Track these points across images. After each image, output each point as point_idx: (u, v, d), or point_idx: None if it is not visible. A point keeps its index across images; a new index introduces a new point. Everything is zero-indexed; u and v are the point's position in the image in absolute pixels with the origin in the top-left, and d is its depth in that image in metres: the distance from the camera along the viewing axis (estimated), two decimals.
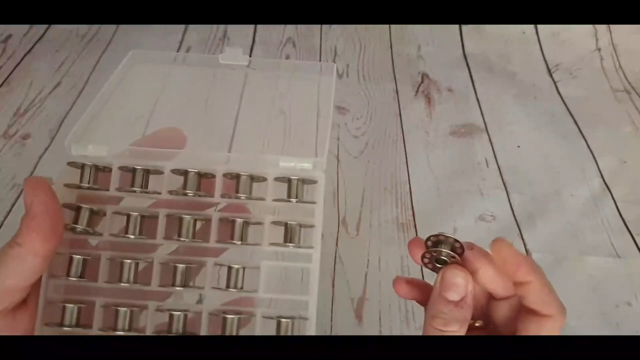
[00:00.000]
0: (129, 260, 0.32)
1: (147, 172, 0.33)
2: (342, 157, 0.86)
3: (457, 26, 1.14)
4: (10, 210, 0.76)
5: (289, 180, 0.33)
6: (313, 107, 0.38)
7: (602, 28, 1.13)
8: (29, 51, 1.05)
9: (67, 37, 1.09)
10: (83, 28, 1.11)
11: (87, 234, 0.33)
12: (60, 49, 1.06)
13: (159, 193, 0.33)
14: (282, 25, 1.14)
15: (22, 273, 0.30)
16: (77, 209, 0.32)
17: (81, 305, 0.32)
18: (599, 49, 1.11)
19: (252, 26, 1.14)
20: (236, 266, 0.32)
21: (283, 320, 0.32)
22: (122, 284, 0.32)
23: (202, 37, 1.11)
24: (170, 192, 0.33)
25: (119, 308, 0.32)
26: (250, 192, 0.33)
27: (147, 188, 0.33)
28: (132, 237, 0.33)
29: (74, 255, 0.32)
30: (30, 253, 0.30)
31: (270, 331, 0.32)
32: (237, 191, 0.33)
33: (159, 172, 0.33)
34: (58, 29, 1.10)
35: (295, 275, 0.31)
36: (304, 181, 0.33)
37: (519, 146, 0.89)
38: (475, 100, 0.98)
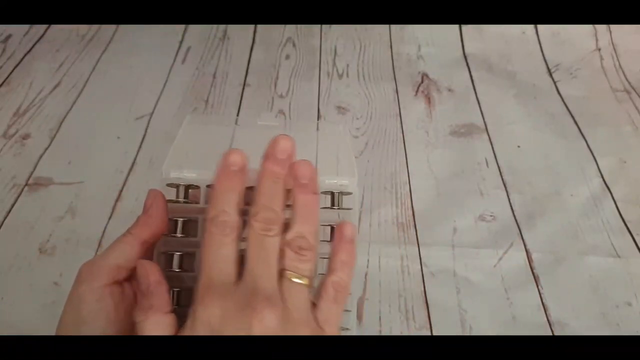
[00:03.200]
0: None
1: None
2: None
3: (457, 26, 1.14)
4: (10, 210, 0.76)
5: (332, 193, 0.44)
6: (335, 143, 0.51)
7: (602, 28, 1.13)
8: (29, 51, 1.05)
9: (67, 37, 1.09)
10: (83, 28, 1.11)
11: (183, 237, 0.42)
12: (60, 49, 1.06)
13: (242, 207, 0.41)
14: (282, 25, 1.14)
15: (128, 255, 0.39)
16: (175, 221, 0.42)
17: (179, 290, 0.41)
18: (599, 49, 1.11)
19: (252, 26, 1.14)
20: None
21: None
22: None
23: (202, 37, 1.11)
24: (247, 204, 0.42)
25: None
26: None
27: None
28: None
29: (175, 253, 0.41)
30: (137, 241, 0.39)
31: None
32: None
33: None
34: (58, 29, 1.10)
35: None
36: (342, 193, 0.44)
37: (519, 146, 0.89)
38: (475, 100, 0.98)
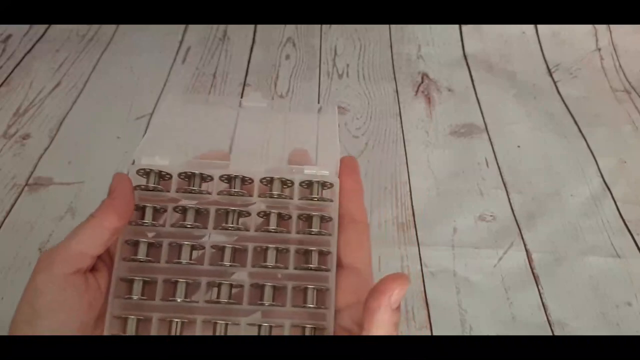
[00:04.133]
0: (187, 242, 0.40)
1: (200, 177, 0.42)
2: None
3: (457, 26, 1.14)
4: (10, 210, 0.76)
5: (311, 183, 0.42)
6: (324, 132, 0.48)
7: (602, 28, 1.13)
8: (29, 51, 1.05)
9: (67, 37, 1.09)
10: (83, 28, 1.11)
11: (152, 226, 0.41)
12: (60, 49, 1.06)
13: (210, 194, 0.41)
14: (282, 25, 1.14)
15: (92, 241, 0.36)
16: (143, 208, 0.41)
17: (146, 280, 0.39)
18: (599, 49, 1.11)
19: (252, 26, 1.14)
20: (271, 246, 0.40)
21: (309, 287, 0.39)
22: (181, 263, 0.40)
23: (202, 37, 1.11)
24: (219, 193, 0.41)
25: (178, 280, 0.39)
26: (281, 192, 0.42)
27: (200, 189, 0.41)
28: (189, 225, 0.40)
29: (141, 240, 0.40)
30: (102, 226, 0.37)
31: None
32: (270, 191, 0.42)
33: (209, 179, 0.42)
34: (58, 29, 1.10)
35: (314, 258, 0.40)
36: (323, 184, 0.42)
37: (519, 146, 0.89)
38: (475, 100, 0.98)
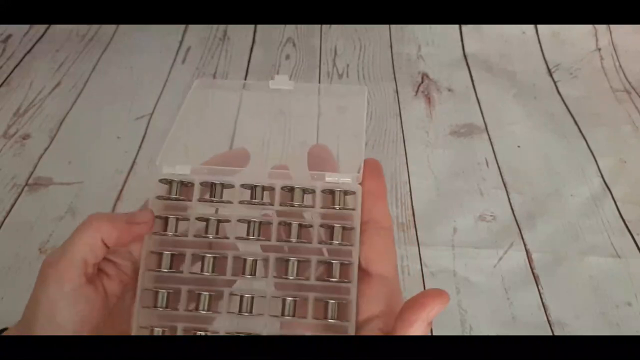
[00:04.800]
0: (208, 255, 0.40)
1: (221, 186, 0.42)
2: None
3: (457, 26, 1.14)
4: (10, 210, 0.76)
5: (332, 192, 0.41)
6: (348, 128, 0.48)
7: (602, 28, 1.13)
8: (29, 51, 1.05)
9: (67, 37, 1.09)
10: (83, 28, 1.11)
11: (175, 237, 0.41)
12: (60, 49, 1.06)
13: (231, 202, 0.41)
14: (282, 25, 1.14)
15: (93, 248, 0.37)
16: (166, 218, 0.41)
17: (170, 291, 0.39)
18: (599, 49, 1.11)
19: (252, 26, 1.14)
20: (292, 258, 0.40)
21: (330, 301, 0.39)
22: (203, 274, 0.40)
23: (202, 37, 1.11)
24: (241, 202, 0.41)
25: (202, 292, 0.39)
26: (302, 201, 0.41)
27: (221, 198, 0.42)
28: (210, 237, 0.41)
29: (164, 252, 0.40)
30: (101, 236, 0.37)
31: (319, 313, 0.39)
32: (292, 200, 0.41)
33: (230, 186, 0.42)
34: (58, 29, 1.10)
35: (336, 269, 0.40)
36: (345, 192, 0.41)
37: (519, 146, 0.89)
38: (475, 100, 0.98)
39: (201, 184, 0.42)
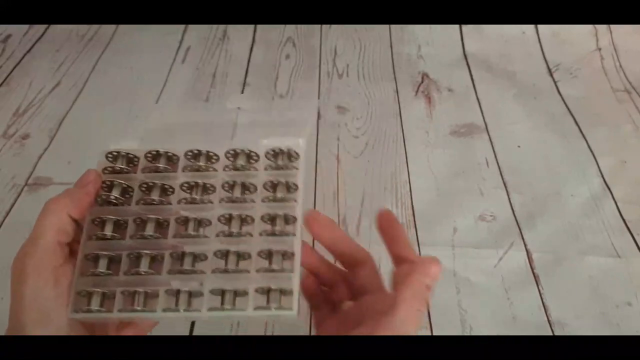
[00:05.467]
0: (151, 216, 0.41)
1: (166, 157, 0.43)
2: (342, 157, 0.86)
3: (457, 26, 1.14)
4: (10, 210, 0.76)
5: (276, 154, 0.43)
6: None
7: (602, 28, 1.13)
8: (28, 51, 1.05)
9: (66, 37, 1.09)
10: (83, 28, 1.11)
11: (118, 205, 0.42)
12: (59, 49, 1.06)
13: (175, 172, 0.43)
14: (282, 25, 1.14)
15: (65, 229, 0.38)
16: (111, 185, 0.42)
17: (111, 256, 0.40)
18: (600, 49, 1.11)
19: (252, 26, 1.14)
20: (236, 213, 0.41)
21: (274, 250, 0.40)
22: (146, 236, 0.41)
23: (202, 37, 1.11)
24: (184, 170, 0.43)
25: (142, 252, 0.40)
26: (247, 163, 0.43)
27: (167, 166, 0.43)
28: (155, 202, 0.42)
29: (107, 218, 0.41)
30: (69, 214, 0.39)
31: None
32: (235, 164, 0.43)
33: (176, 157, 0.43)
34: (58, 29, 1.10)
35: (280, 222, 0.42)
36: (289, 154, 0.43)
37: (519, 146, 0.89)
38: (476, 100, 0.98)
39: (146, 156, 0.43)
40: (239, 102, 0.50)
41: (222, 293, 0.39)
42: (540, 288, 0.70)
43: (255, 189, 0.42)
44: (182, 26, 1.13)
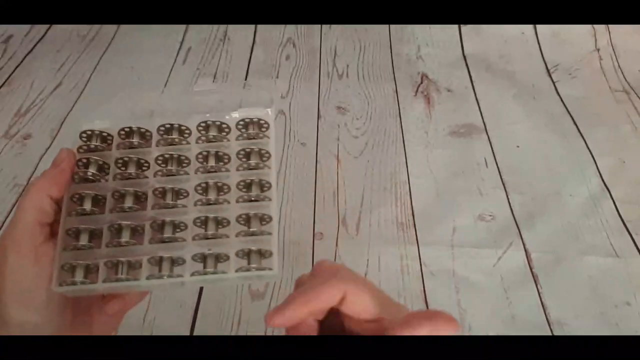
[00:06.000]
0: (130, 189, 0.42)
1: (139, 133, 0.44)
2: (342, 157, 0.86)
3: (456, 26, 1.14)
4: (11, 210, 0.76)
5: (247, 124, 0.44)
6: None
7: (601, 28, 1.14)
8: (30, 51, 1.05)
9: (68, 37, 1.09)
10: (84, 28, 1.11)
11: (96, 181, 0.42)
12: (61, 49, 1.06)
13: (149, 147, 0.43)
14: (282, 26, 1.15)
15: (45, 209, 0.39)
16: (87, 163, 0.43)
17: (93, 229, 0.40)
18: (598, 49, 1.11)
19: (252, 26, 1.14)
20: (212, 182, 0.42)
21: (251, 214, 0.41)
22: (125, 209, 0.41)
23: (203, 37, 1.11)
24: (157, 144, 0.44)
25: (122, 223, 0.40)
26: (220, 134, 0.44)
27: (141, 142, 0.44)
28: (132, 175, 0.42)
29: (85, 193, 0.41)
30: (50, 195, 0.39)
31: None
32: (207, 136, 0.44)
33: (148, 133, 0.44)
34: (59, 29, 1.11)
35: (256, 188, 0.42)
36: (259, 124, 0.44)
37: (518, 146, 0.90)
38: (475, 101, 0.98)
39: (119, 134, 0.44)
40: (207, 86, 0.52)
41: (204, 258, 0.40)
42: (539, 288, 0.70)
43: (229, 159, 0.43)
44: (182, 26, 1.13)
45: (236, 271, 0.39)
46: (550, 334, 0.65)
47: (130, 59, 1.04)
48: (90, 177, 0.42)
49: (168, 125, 0.44)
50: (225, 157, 0.43)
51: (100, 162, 0.43)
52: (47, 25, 1.11)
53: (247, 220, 0.41)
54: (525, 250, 0.74)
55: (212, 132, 0.44)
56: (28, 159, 0.83)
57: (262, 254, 0.40)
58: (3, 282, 0.37)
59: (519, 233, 0.76)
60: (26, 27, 1.10)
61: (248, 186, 0.42)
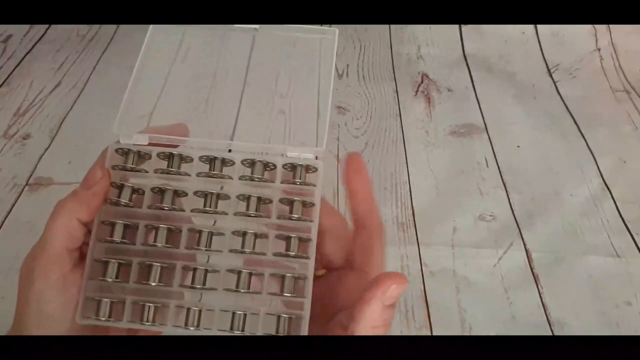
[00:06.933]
0: (163, 226, 0.39)
1: (180, 158, 0.41)
2: (342, 157, 0.86)
3: (457, 26, 1.14)
4: (11, 210, 0.76)
5: (294, 167, 0.40)
6: (313, 99, 0.46)
7: (601, 28, 1.13)
8: (29, 51, 1.05)
9: (67, 37, 1.09)
10: (83, 28, 1.11)
11: (128, 207, 0.40)
12: (60, 49, 1.06)
13: (189, 175, 0.40)
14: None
15: (74, 235, 0.37)
16: (121, 187, 0.40)
17: (120, 262, 0.38)
18: (599, 49, 1.11)
19: (252, 26, 1.14)
20: (251, 231, 0.39)
21: (287, 275, 0.38)
22: (157, 245, 0.39)
23: (203, 37, 1.10)
24: (198, 175, 0.41)
25: (153, 264, 0.38)
26: (263, 175, 0.41)
27: (179, 169, 0.41)
28: (166, 208, 0.40)
29: (117, 222, 0.39)
30: (79, 218, 0.37)
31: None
32: (252, 174, 0.40)
33: (189, 159, 0.41)
34: (58, 29, 1.10)
35: (294, 244, 0.39)
36: (307, 168, 0.40)
37: (518, 146, 0.90)
38: (475, 100, 0.98)
39: (158, 155, 0.41)
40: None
41: (232, 315, 0.38)
42: (539, 288, 0.70)
43: (270, 201, 0.40)
44: (182, 26, 1.13)
45: (264, 334, 0.37)
46: (550, 334, 0.65)
47: (130, 58, 1.03)
48: (123, 203, 0.40)
49: (212, 156, 0.41)
50: (267, 200, 0.41)
51: (135, 187, 0.40)
52: (47, 25, 1.11)
53: (281, 277, 0.39)
54: (526, 250, 0.74)
55: (257, 173, 0.41)
56: (27, 159, 0.83)
57: (292, 318, 0.38)
58: (27, 306, 0.36)
59: (520, 233, 0.76)
60: (25, 26, 1.10)
61: (287, 240, 0.39)
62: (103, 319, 0.37)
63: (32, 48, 1.06)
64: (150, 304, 0.38)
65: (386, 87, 1.01)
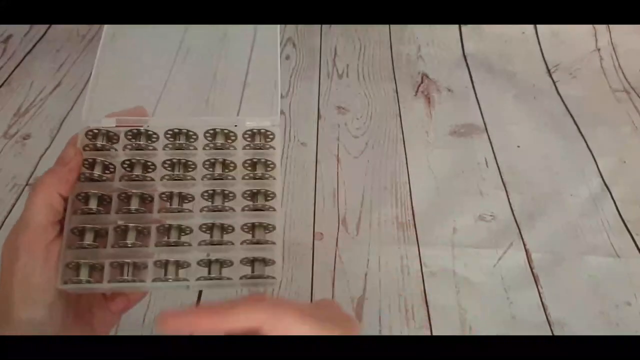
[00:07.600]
0: (135, 191, 0.42)
1: (146, 135, 0.44)
2: (342, 157, 0.86)
3: (457, 26, 1.14)
4: (11, 210, 0.76)
5: (253, 134, 0.45)
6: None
7: (601, 28, 1.13)
8: (29, 51, 1.05)
9: (67, 37, 1.09)
10: (83, 28, 1.11)
11: (102, 180, 0.42)
12: (60, 49, 1.06)
13: (156, 150, 0.44)
14: (282, 25, 1.15)
15: (55, 209, 0.39)
16: (93, 162, 0.42)
17: (97, 229, 0.41)
18: (599, 49, 1.11)
19: (252, 26, 1.14)
20: (218, 189, 0.43)
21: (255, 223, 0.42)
22: (131, 210, 0.42)
23: (203, 38, 1.11)
24: (164, 148, 0.44)
25: (129, 225, 0.41)
26: (226, 142, 0.45)
27: (148, 144, 0.44)
28: (137, 178, 0.42)
29: (91, 193, 0.41)
30: (58, 193, 0.39)
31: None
32: (214, 143, 0.44)
33: (155, 136, 0.44)
34: (59, 29, 1.10)
35: (261, 198, 0.44)
36: (265, 135, 0.45)
37: (518, 146, 0.90)
38: (475, 101, 0.98)
39: (126, 134, 0.44)
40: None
41: (209, 263, 0.40)
42: (539, 288, 0.70)
43: (235, 167, 0.44)
44: (182, 26, 1.13)
45: (240, 278, 0.40)
46: (550, 334, 0.65)
47: (130, 59, 1.04)
48: (96, 177, 0.42)
49: (176, 130, 0.45)
50: (232, 165, 0.44)
51: (107, 163, 0.43)
52: (47, 25, 1.11)
53: (251, 228, 0.42)
54: (526, 250, 0.74)
55: (219, 140, 0.44)
56: (27, 159, 0.83)
57: (266, 262, 0.41)
58: (12, 281, 0.37)
59: (520, 233, 0.76)
60: (26, 27, 1.10)
61: (253, 195, 0.43)
62: (83, 280, 0.39)
63: (32, 48, 1.06)
64: (129, 262, 0.40)
65: (386, 87, 1.01)
